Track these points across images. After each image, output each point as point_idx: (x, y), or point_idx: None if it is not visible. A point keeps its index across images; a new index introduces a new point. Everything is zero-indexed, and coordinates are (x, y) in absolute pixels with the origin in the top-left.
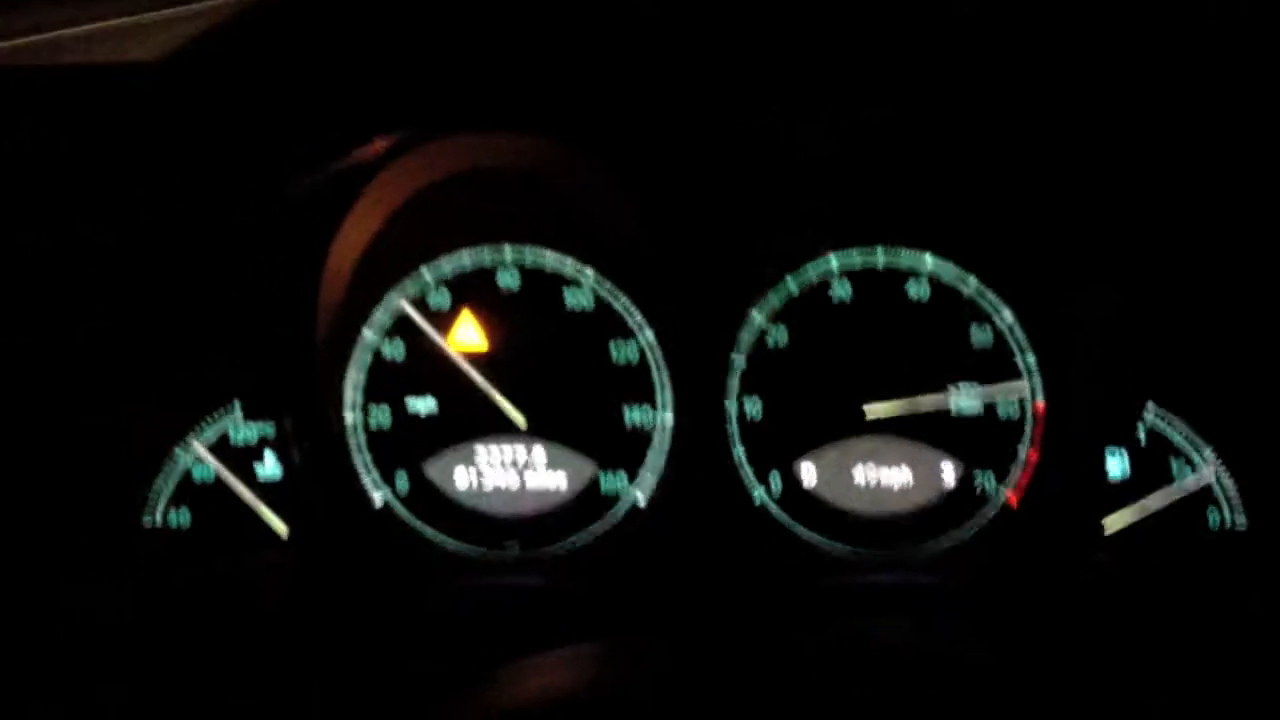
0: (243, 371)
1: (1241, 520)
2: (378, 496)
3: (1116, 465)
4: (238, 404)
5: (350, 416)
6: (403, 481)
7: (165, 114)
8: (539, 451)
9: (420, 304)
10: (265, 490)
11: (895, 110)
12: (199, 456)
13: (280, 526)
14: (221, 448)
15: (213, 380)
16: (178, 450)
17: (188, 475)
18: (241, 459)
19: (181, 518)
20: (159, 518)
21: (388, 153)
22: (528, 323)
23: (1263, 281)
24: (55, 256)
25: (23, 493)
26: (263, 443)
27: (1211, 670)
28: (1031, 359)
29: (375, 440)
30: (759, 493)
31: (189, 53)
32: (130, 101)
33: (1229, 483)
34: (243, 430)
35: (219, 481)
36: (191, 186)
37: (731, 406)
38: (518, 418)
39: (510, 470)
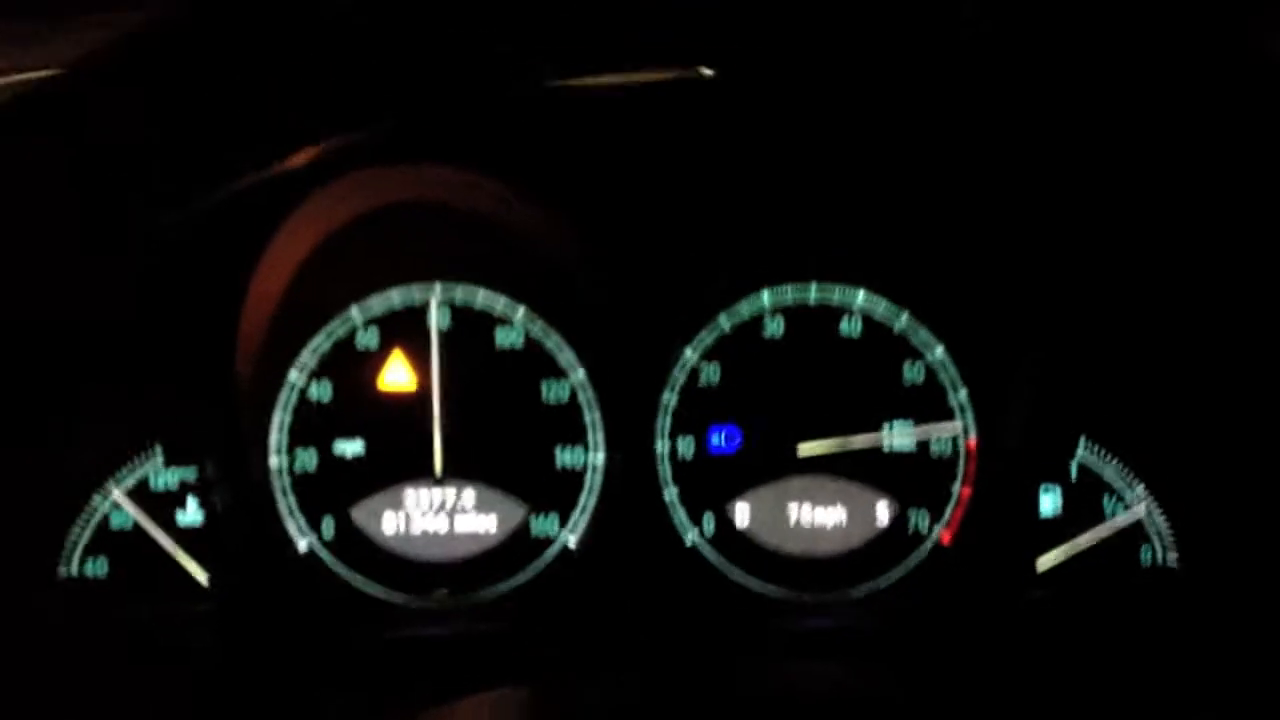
0: (164, 415)
1: (1173, 557)
2: (302, 543)
3: (1049, 502)
4: (159, 449)
5: (275, 460)
6: (329, 527)
7: (68, 127)
8: (469, 494)
9: (348, 344)
10: (186, 537)
11: (829, 148)
12: (117, 503)
13: (201, 575)
14: (141, 493)
15: (133, 424)
16: (96, 497)
17: (105, 522)
18: (162, 505)
19: (98, 567)
20: (75, 568)
21: (308, 181)
22: (458, 362)
23: (1193, 320)
24: None
25: None
26: (184, 488)
27: (1142, 708)
28: (964, 395)
29: (301, 484)
30: (691, 534)
31: (101, 56)
32: (29, 114)
33: (1160, 520)
34: (163, 475)
35: (138, 529)
36: (99, 209)
37: (663, 446)
38: (438, 462)
39: (440, 514)
